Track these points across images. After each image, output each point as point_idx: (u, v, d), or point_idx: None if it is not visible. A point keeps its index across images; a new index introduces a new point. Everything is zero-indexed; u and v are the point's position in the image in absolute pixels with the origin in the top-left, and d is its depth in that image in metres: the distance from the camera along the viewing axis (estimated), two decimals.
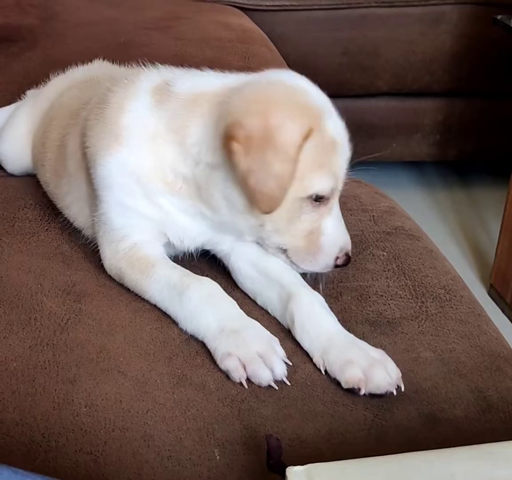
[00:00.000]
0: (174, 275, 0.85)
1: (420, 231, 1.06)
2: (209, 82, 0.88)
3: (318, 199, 0.83)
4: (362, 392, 0.75)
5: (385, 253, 0.97)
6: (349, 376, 0.76)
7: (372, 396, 0.75)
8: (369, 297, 0.89)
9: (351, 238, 0.97)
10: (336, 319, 0.83)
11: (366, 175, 1.66)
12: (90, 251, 0.94)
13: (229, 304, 0.82)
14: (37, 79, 1.28)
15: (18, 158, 1.15)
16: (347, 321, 0.86)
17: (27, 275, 0.90)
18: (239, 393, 0.76)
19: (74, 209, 0.98)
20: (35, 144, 1.10)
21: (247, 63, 1.55)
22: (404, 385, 0.77)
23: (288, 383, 0.77)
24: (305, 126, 0.80)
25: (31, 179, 1.12)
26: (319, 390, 0.77)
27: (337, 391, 0.77)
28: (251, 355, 0.76)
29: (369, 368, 0.75)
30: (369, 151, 2.05)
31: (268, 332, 0.80)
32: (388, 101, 2.05)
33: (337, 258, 0.86)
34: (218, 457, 0.70)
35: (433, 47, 1.97)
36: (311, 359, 0.80)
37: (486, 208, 2.07)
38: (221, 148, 0.81)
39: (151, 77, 0.91)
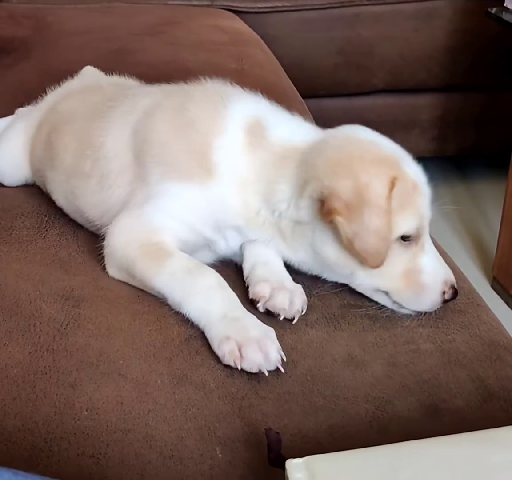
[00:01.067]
0: (189, 263, 0.88)
1: None
2: (302, 135, 0.90)
3: (406, 239, 0.85)
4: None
5: None
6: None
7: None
8: None
9: None
10: None
11: None
12: (88, 256, 0.95)
13: (234, 296, 0.85)
14: (32, 89, 1.29)
15: (15, 170, 1.15)
16: (346, 316, 0.86)
17: (25, 282, 0.90)
18: (239, 390, 0.76)
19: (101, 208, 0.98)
20: (35, 153, 1.11)
21: (241, 65, 1.56)
22: (406, 377, 0.77)
23: (283, 370, 0.77)
24: (389, 177, 0.83)
25: (26, 188, 1.13)
26: (320, 385, 0.77)
27: (338, 385, 0.77)
28: (248, 338, 0.78)
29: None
30: None
31: (266, 325, 0.81)
32: (385, 98, 2.06)
33: (443, 293, 0.86)
34: (220, 455, 0.69)
35: (428, 43, 1.98)
36: (311, 354, 0.80)
37: (487, 202, 2.07)
38: (310, 209, 0.85)
39: (243, 109, 0.92)
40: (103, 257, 0.92)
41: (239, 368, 0.77)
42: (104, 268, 0.92)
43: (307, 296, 0.87)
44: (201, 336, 0.83)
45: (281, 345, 0.80)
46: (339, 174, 0.83)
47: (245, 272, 0.91)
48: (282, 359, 0.78)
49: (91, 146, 0.98)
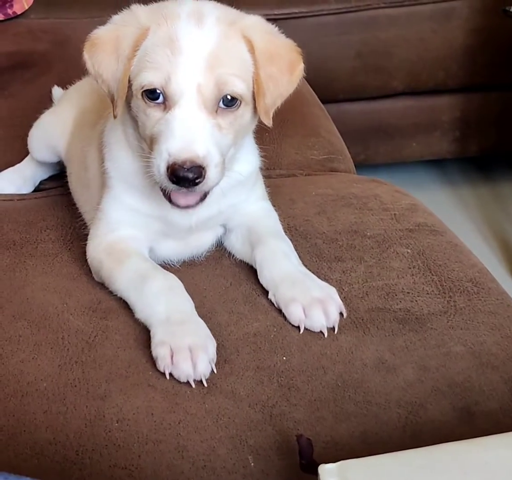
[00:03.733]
0: (144, 265, 0.89)
1: (443, 226, 1.04)
2: None
3: (151, 97, 0.80)
4: (301, 330, 0.83)
5: (409, 250, 0.96)
6: (291, 313, 0.84)
7: None
8: (396, 295, 0.88)
9: (374, 237, 0.97)
10: (298, 262, 0.91)
11: (388, 175, 1.65)
12: None
13: (185, 300, 0.85)
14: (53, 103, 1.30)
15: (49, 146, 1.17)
16: (374, 320, 0.85)
17: (52, 296, 0.90)
18: (269, 398, 0.75)
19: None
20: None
21: None
22: (437, 380, 0.76)
23: (205, 384, 0.77)
24: (141, 29, 0.82)
25: (50, 200, 1.14)
26: (351, 391, 0.76)
27: (369, 391, 0.76)
28: (181, 346, 0.78)
29: (309, 307, 0.83)
30: (389, 152, 2.07)
31: (209, 333, 0.81)
32: (405, 101, 2.04)
33: (169, 166, 0.78)
34: (252, 464, 0.69)
35: (446, 44, 1.96)
36: (341, 360, 0.80)
37: (511, 202, 2.04)
38: None
39: None
40: None
41: (167, 376, 0.77)
42: None
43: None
44: (228, 344, 0.82)
45: (309, 351, 0.80)
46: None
47: (267, 286, 0.89)
48: (213, 371, 0.78)
49: (84, 152, 1.02)
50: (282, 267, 0.89)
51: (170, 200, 0.83)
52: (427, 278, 0.91)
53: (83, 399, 0.76)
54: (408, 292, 0.89)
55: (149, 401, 0.75)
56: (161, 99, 0.80)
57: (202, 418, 0.73)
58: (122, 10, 0.99)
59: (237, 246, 0.97)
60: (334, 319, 0.83)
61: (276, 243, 0.92)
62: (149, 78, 0.80)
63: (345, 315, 0.84)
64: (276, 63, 0.84)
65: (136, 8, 0.85)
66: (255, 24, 0.85)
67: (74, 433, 0.72)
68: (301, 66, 0.87)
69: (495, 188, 2.12)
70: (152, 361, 0.80)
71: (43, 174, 1.24)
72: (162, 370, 0.78)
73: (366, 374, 0.78)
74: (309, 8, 1.97)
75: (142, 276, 0.87)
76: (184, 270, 0.94)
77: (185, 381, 0.77)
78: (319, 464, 0.56)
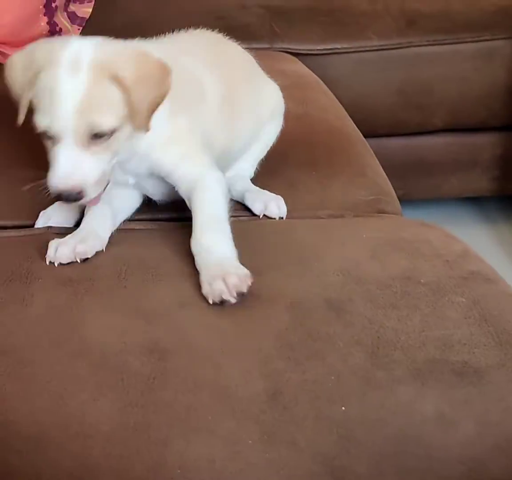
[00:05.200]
0: None
1: (496, 275, 1.04)
2: None
3: (47, 137, 0.99)
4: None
5: (464, 299, 0.96)
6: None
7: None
8: (453, 346, 0.88)
9: (428, 285, 0.97)
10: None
11: (427, 212, 1.66)
12: (170, 307, 0.96)
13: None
14: None
15: None
16: (433, 372, 0.85)
17: (110, 335, 0.91)
18: (330, 450, 0.76)
19: None
20: None
21: (306, 109, 1.57)
22: (498, 436, 0.76)
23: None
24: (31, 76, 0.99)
25: None
26: (411, 445, 0.76)
27: (430, 445, 0.76)
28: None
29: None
30: (428, 188, 2.07)
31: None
32: (445, 137, 2.05)
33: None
34: None
35: (488, 82, 1.97)
36: (401, 412, 0.80)
37: None
38: None
39: None
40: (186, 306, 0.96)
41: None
42: (186, 317, 0.94)
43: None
44: (287, 391, 0.83)
45: (368, 402, 0.80)
46: None
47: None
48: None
49: None
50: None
51: None
52: (484, 329, 0.91)
53: (145, 444, 0.76)
54: (465, 343, 0.89)
55: (209, 448, 0.76)
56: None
57: (263, 468, 0.74)
58: None
59: None
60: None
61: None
62: (39, 121, 0.98)
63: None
64: (146, 85, 0.99)
65: (36, 48, 1.02)
66: (124, 59, 0.99)
67: (137, 478, 0.73)
68: (169, 80, 1.00)
69: None
70: (212, 405, 0.80)
71: None
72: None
73: (426, 428, 0.78)
74: (351, 44, 1.99)
75: None
76: (240, 312, 0.95)
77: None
78: None
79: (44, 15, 1.83)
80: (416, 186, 2.04)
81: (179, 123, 1.09)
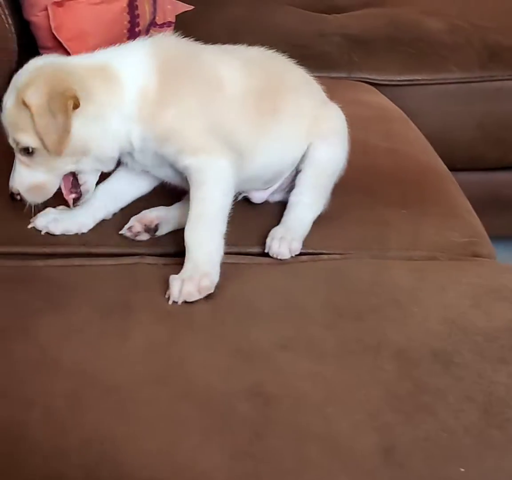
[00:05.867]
0: None
1: None
2: None
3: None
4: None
5: None
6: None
7: None
8: None
9: None
10: None
11: (504, 249, 1.61)
12: (269, 347, 0.94)
13: None
14: None
15: None
16: None
17: (214, 375, 0.90)
18: None
19: None
20: None
21: (392, 144, 1.55)
22: None
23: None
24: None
25: None
26: None
27: None
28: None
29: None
30: (507, 224, 2.03)
31: None
32: None
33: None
34: None
35: None
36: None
37: None
38: None
39: None
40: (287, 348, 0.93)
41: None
42: (289, 360, 0.92)
43: None
44: (400, 447, 0.80)
45: (486, 464, 0.77)
46: None
47: None
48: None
49: None
50: None
51: None
52: None
53: None
54: None
55: None
56: None
57: None
58: None
59: None
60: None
61: None
62: None
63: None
64: (51, 110, 1.03)
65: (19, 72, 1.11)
66: (34, 87, 1.05)
67: None
68: (70, 102, 1.04)
69: None
70: (323, 459, 0.78)
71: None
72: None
73: None
74: (432, 76, 1.97)
75: None
76: (344, 358, 0.93)
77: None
78: None
79: (128, 39, 1.84)
80: (493, 223, 1.99)
81: (176, 111, 1.10)
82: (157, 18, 2.07)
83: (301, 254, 1.19)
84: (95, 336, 0.96)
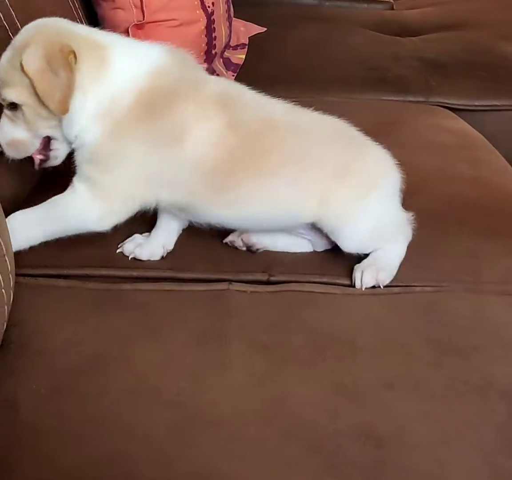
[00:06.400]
0: None
1: None
2: None
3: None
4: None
5: None
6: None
7: None
8: None
9: None
10: None
11: None
12: (373, 385, 0.92)
13: None
14: None
15: None
16: None
17: (319, 413, 0.87)
18: None
19: None
20: None
21: (478, 172, 1.51)
22: None
23: None
24: None
25: (283, 296, 1.11)
26: None
27: None
28: None
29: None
30: None
31: None
32: None
33: None
34: None
35: None
36: None
37: None
38: None
39: None
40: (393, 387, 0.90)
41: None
42: (396, 400, 0.89)
43: None
44: None
45: None
46: None
47: None
48: None
49: None
50: None
51: None
52: None
53: None
54: None
55: None
56: None
57: None
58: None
59: None
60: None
61: None
62: None
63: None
64: (53, 69, 1.03)
65: None
66: (33, 48, 1.04)
67: None
68: (71, 57, 1.04)
69: None
70: None
71: None
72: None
73: None
74: (510, 102, 1.93)
75: None
76: (452, 399, 0.90)
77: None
78: None
79: (204, 62, 1.84)
80: None
81: (115, 145, 1.08)
82: (231, 40, 2.07)
83: (392, 285, 1.16)
84: (194, 366, 0.94)
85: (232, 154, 1.08)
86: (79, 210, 1.10)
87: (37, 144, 1.12)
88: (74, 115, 1.07)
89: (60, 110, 1.06)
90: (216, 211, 1.13)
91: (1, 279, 0.93)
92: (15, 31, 1.14)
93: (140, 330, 1.01)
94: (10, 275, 0.97)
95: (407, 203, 1.34)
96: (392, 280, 1.16)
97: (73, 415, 0.86)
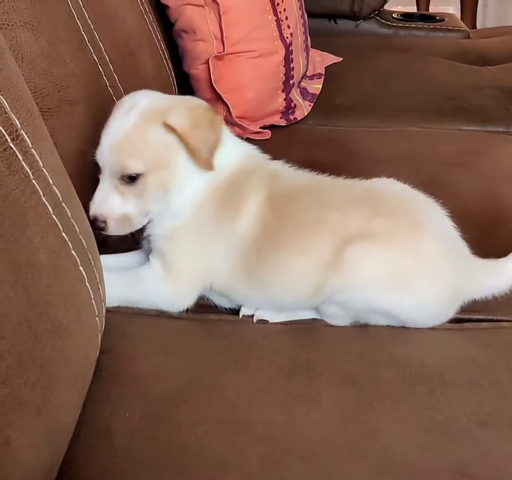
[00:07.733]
0: None
1: None
2: None
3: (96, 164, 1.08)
4: None
5: None
6: None
7: None
8: None
9: None
10: None
11: None
12: (466, 423, 0.90)
13: None
14: None
15: None
16: None
17: (412, 449, 0.86)
18: None
19: None
20: None
21: None
22: None
23: None
24: None
25: (367, 330, 1.11)
26: None
27: None
28: None
29: None
30: None
31: None
32: None
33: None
34: None
35: None
36: None
37: None
38: None
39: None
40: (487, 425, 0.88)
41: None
42: (491, 439, 0.87)
43: None
44: None
45: None
46: None
47: None
48: None
49: None
50: None
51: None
52: None
53: None
54: None
55: None
56: None
57: None
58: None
59: None
60: None
61: None
62: (95, 152, 1.07)
63: None
64: (200, 128, 1.06)
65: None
66: (177, 109, 1.06)
67: None
68: (218, 118, 1.10)
69: None
70: None
71: None
72: None
73: None
74: None
75: None
76: None
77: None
78: None
79: (282, 92, 1.87)
80: None
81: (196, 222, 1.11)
82: (308, 70, 2.09)
83: (479, 319, 1.15)
84: (283, 398, 0.94)
85: (261, 235, 1.09)
86: (151, 288, 1.12)
87: (144, 221, 1.10)
88: (186, 183, 1.09)
89: (207, 166, 1.07)
90: (246, 292, 1.13)
91: (95, 307, 0.95)
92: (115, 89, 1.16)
93: (227, 361, 1.02)
94: (103, 303, 1.00)
95: (490, 235, 1.33)
96: (479, 315, 1.15)
97: (167, 444, 0.86)
